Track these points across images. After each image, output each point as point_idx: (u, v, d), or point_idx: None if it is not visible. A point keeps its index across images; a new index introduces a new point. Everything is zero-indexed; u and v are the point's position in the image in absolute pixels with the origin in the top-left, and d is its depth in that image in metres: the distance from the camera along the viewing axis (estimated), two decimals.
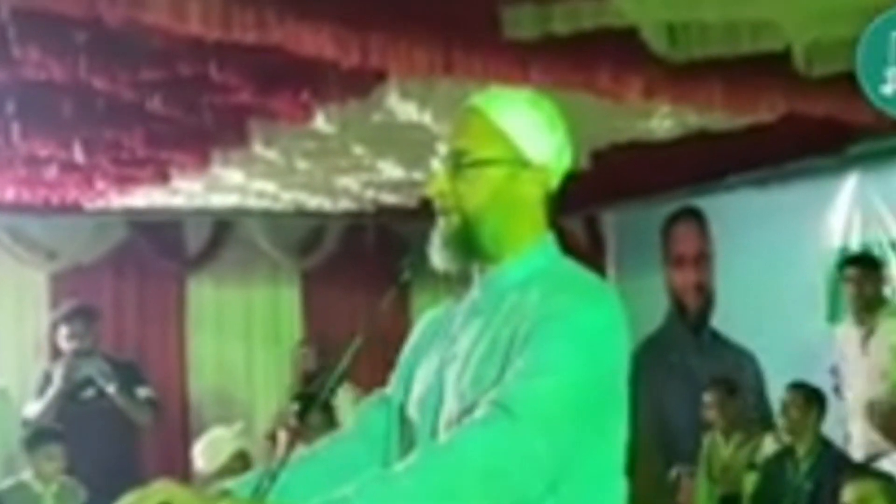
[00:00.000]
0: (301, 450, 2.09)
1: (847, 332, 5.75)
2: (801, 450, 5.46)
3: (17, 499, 5.47)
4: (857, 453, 5.54)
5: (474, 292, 2.01)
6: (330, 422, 5.61)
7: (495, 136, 1.95)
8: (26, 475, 5.57)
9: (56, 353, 6.94)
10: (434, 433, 1.94)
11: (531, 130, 1.96)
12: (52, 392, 6.52)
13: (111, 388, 6.48)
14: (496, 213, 1.95)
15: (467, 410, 1.83)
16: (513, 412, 1.72)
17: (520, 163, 1.95)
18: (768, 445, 5.89)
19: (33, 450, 5.54)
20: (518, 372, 1.79)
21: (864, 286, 5.58)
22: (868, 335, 5.58)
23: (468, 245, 1.96)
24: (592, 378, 1.81)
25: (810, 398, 5.49)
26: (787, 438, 5.58)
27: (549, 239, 2.02)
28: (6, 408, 6.34)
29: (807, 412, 5.46)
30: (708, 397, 6.17)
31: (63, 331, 6.57)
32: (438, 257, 1.97)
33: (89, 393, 6.46)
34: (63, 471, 5.59)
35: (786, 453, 5.58)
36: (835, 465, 5.23)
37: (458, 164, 1.95)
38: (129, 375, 6.73)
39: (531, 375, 1.77)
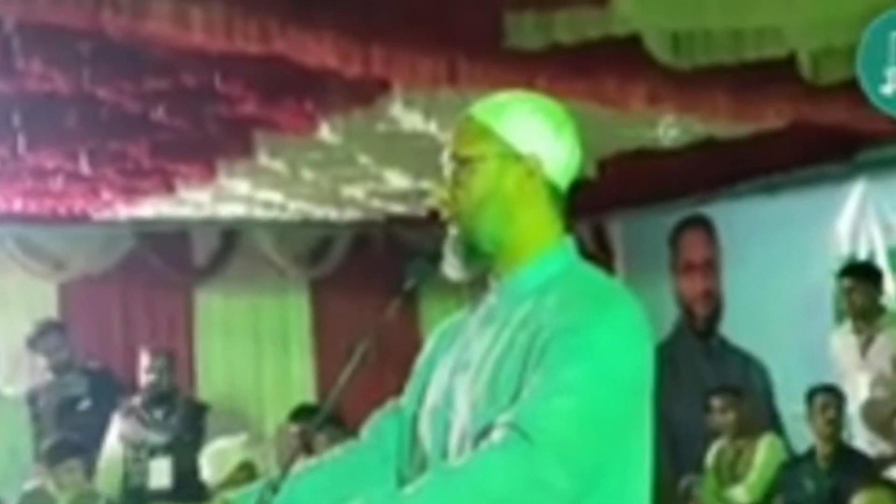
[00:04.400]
0: (309, 460, 2.09)
1: (846, 340, 5.77)
2: (822, 454, 5.47)
3: None
4: None
5: (490, 298, 1.97)
6: (337, 432, 5.58)
7: (483, 135, 1.93)
8: (47, 483, 5.53)
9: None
10: (445, 443, 1.91)
11: (518, 121, 1.93)
12: (42, 411, 6.52)
13: (92, 402, 6.46)
14: (490, 208, 1.91)
15: (483, 431, 1.78)
16: (529, 437, 1.68)
17: (510, 157, 1.92)
18: (772, 450, 5.88)
19: (54, 463, 5.48)
20: (534, 391, 1.74)
21: (858, 296, 5.63)
22: (867, 343, 5.62)
23: (470, 247, 1.92)
24: (612, 397, 1.76)
25: (838, 402, 5.50)
26: (816, 442, 5.55)
27: (568, 243, 1.97)
28: (18, 417, 6.32)
29: (834, 416, 5.46)
30: (715, 403, 6.15)
31: (39, 347, 6.51)
32: (449, 268, 1.95)
33: (84, 405, 6.44)
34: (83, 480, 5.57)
35: (805, 457, 5.60)
36: (853, 469, 5.21)
37: (453, 169, 1.94)
38: (107, 384, 6.70)
39: (548, 395, 1.72)
